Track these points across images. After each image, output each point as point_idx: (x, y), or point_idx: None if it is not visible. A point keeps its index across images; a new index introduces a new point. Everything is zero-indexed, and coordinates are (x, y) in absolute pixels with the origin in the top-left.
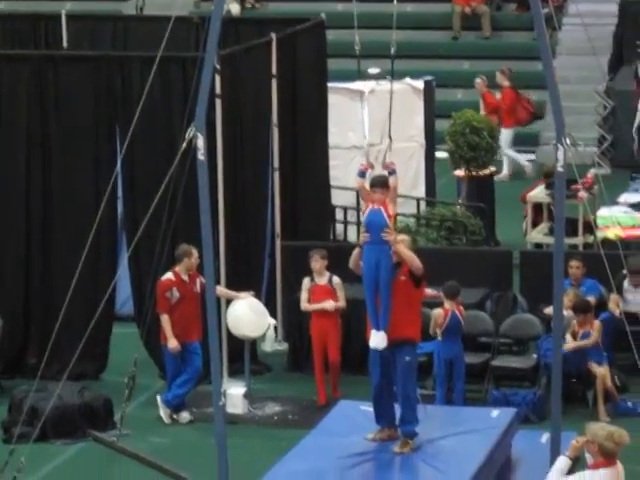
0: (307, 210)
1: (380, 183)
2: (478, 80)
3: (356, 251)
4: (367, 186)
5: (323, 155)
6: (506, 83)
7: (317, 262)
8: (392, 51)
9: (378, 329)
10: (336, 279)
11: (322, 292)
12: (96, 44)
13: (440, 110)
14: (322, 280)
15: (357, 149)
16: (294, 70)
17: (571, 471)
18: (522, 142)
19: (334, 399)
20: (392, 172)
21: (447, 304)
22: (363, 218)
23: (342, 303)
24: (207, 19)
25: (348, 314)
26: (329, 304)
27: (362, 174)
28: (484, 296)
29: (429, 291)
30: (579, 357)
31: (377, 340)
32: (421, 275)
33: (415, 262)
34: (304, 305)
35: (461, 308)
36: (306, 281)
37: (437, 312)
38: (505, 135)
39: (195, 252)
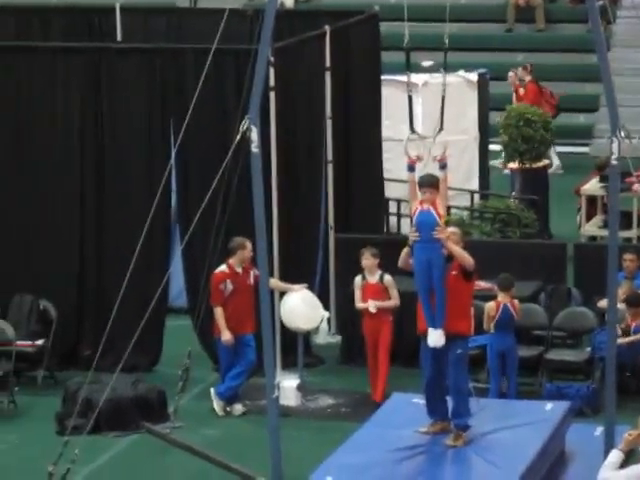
0: (360, 203)
1: (428, 183)
2: (511, 74)
3: (405, 250)
4: (411, 192)
5: (377, 148)
6: (528, 78)
7: (368, 260)
8: (445, 43)
9: (435, 327)
10: (387, 277)
11: (373, 290)
12: (150, 37)
13: (494, 103)
14: (373, 278)
15: (411, 141)
16: (348, 63)
17: (624, 465)
18: (576, 135)
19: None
20: (443, 166)
21: (500, 297)
22: (413, 218)
23: (394, 301)
24: (261, 12)
25: (400, 307)
26: (373, 305)
27: (411, 168)
28: (538, 289)
29: (483, 284)
30: (633, 350)
31: (435, 338)
32: (472, 270)
33: (466, 259)
34: (357, 304)
35: (515, 301)
36: (357, 279)
37: (490, 305)
38: None
39: (249, 245)
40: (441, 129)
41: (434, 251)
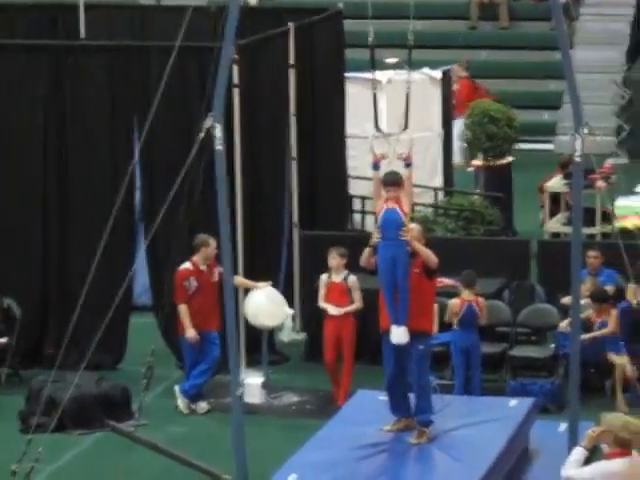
0: (325, 200)
1: (392, 182)
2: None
3: (367, 250)
4: (375, 192)
5: (341, 145)
6: (463, 74)
7: (334, 259)
8: (410, 41)
9: (398, 324)
10: (352, 278)
11: (337, 290)
12: (114, 34)
13: None
14: (338, 278)
15: (381, 138)
16: (312, 60)
17: (587, 461)
18: (539, 132)
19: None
20: (408, 164)
21: (464, 294)
22: (378, 217)
23: (356, 305)
24: (224, 9)
25: (365, 303)
26: (335, 309)
27: (376, 166)
28: (502, 286)
29: (446, 281)
30: (597, 347)
31: (398, 335)
32: (436, 268)
33: (431, 258)
34: (321, 303)
35: (480, 299)
36: (323, 277)
37: (453, 302)
38: (459, 125)
39: (213, 242)
40: (406, 127)
41: (399, 248)
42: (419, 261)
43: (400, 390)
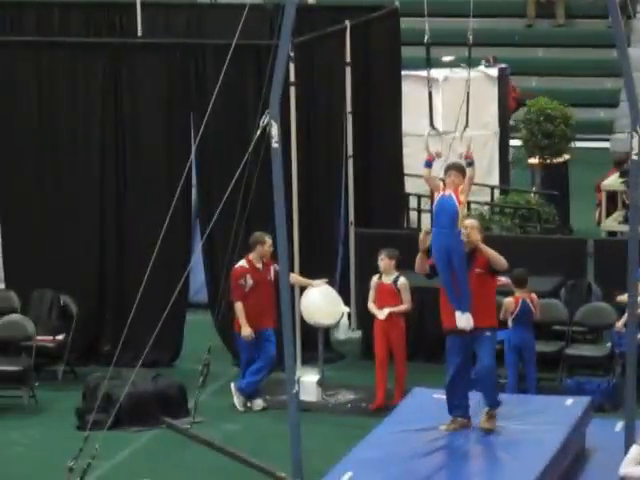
0: (381, 198)
1: (456, 167)
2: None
3: (419, 255)
4: (433, 175)
5: (397, 143)
6: None
7: (383, 261)
8: (469, 39)
9: (462, 311)
10: (402, 280)
11: (386, 292)
12: (170, 32)
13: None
14: (388, 279)
15: (435, 136)
16: (368, 58)
17: None
18: (595, 130)
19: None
20: (470, 163)
21: (518, 292)
22: (434, 204)
23: (405, 306)
24: (281, 7)
25: (421, 301)
26: (381, 313)
27: (428, 164)
28: (558, 284)
29: (503, 279)
30: None
31: (463, 321)
32: (504, 270)
33: (501, 262)
34: (370, 305)
35: (534, 296)
36: (374, 279)
37: (508, 300)
38: None
39: (268, 240)
40: (466, 125)
41: (452, 237)
42: (480, 261)
43: (461, 389)
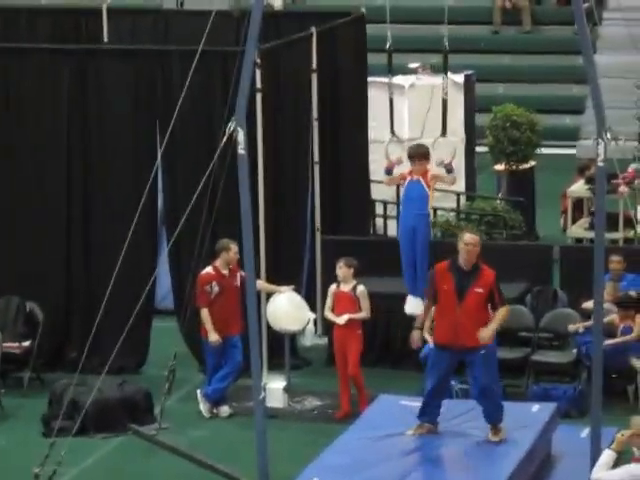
0: (347, 204)
1: (418, 154)
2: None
3: (415, 333)
4: (391, 182)
5: (363, 149)
6: None
7: (341, 269)
8: (445, 46)
9: (414, 295)
10: (361, 288)
11: (345, 300)
12: (137, 38)
13: (480, 104)
14: (346, 287)
15: (396, 143)
16: (334, 64)
17: (616, 464)
18: (561, 136)
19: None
20: (450, 170)
21: None
22: (402, 189)
23: (364, 314)
24: (248, 13)
25: (388, 308)
26: (341, 318)
27: (389, 172)
28: (524, 291)
29: None
30: (619, 352)
31: (413, 305)
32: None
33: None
34: (326, 312)
35: None
36: (332, 287)
37: None
38: None
39: (233, 246)
40: (444, 133)
41: (419, 219)
42: (482, 281)
43: (438, 399)
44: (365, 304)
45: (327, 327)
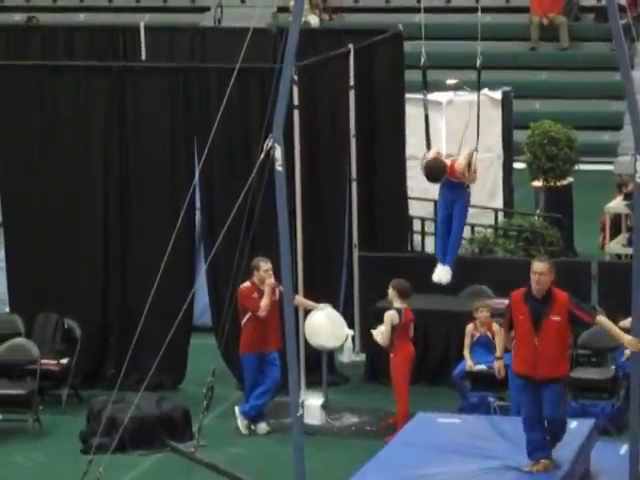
0: (385, 221)
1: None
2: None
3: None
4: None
5: (401, 166)
6: None
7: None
8: (478, 62)
9: (444, 263)
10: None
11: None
12: (174, 56)
13: (518, 121)
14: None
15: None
16: (372, 81)
17: None
18: (599, 153)
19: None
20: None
21: None
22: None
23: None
24: (285, 30)
25: (425, 325)
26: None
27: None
28: None
29: (507, 302)
30: None
31: (441, 273)
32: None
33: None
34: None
35: None
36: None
37: None
38: None
39: (263, 265)
40: (476, 150)
41: (459, 189)
42: (557, 308)
43: (539, 432)
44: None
45: (365, 344)
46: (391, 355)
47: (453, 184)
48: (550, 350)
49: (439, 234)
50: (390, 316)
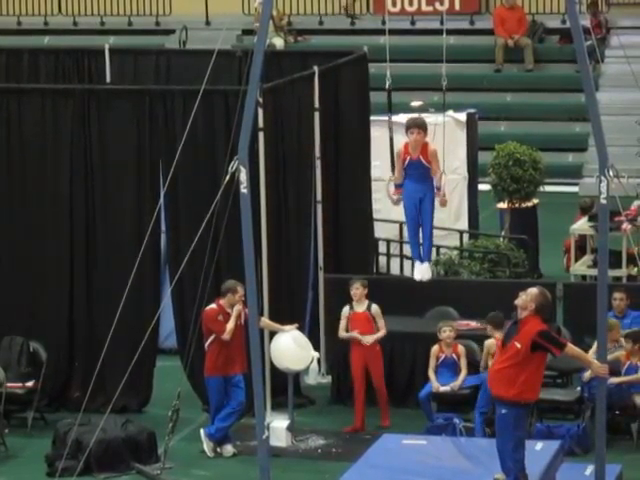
0: (350, 243)
1: (417, 124)
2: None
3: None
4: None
5: (366, 188)
6: None
7: (357, 290)
8: (443, 84)
9: (421, 261)
10: (375, 307)
11: (360, 320)
12: (139, 78)
13: (483, 142)
14: (361, 308)
15: (392, 182)
16: (337, 103)
17: None
18: (564, 174)
19: (384, 428)
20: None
21: (497, 335)
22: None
23: (382, 332)
24: (250, 53)
25: (391, 347)
26: (366, 339)
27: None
28: None
29: (473, 324)
30: (623, 389)
31: (422, 271)
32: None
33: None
34: (341, 333)
35: None
36: (345, 309)
37: (491, 342)
38: None
39: (240, 290)
40: (443, 172)
41: (426, 187)
42: (522, 337)
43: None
44: (381, 322)
45: (332, 365)
46: None
47: (419, 174)
48: (502, 368)
49: (411, 234)
50: None
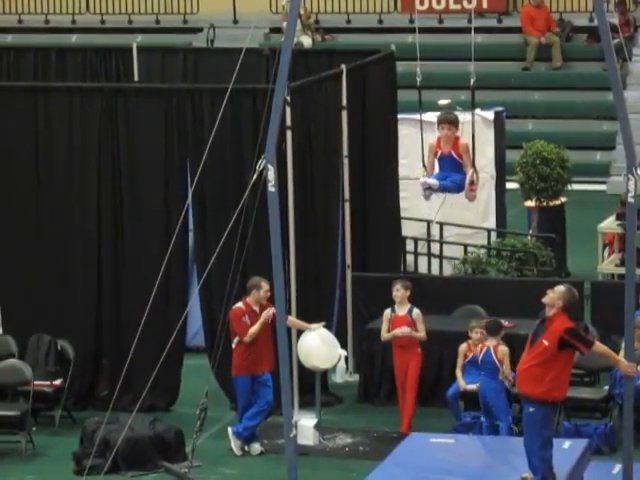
0: (377, 241)
1: (448, 120)
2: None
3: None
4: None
5: (393, 186)
6: None
7: (398, 291)
8: (472, 82)
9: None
10: (417, 311)
11: (402, 323)
12: (167, 76)
13: (511, 141)
14: (402, 311)
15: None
16: (364, 101)
17: None
18: (592, 172)
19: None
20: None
21: (492, 341)
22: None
23: (422, 334)
24: (277, 51)
25: (423, 346)
26: (400, 330)
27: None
28: None
29: (505, 323)
30: None
31: (428, 180)
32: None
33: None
34: (383, 335)
35: (501, 347)
36: (387, 311)
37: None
38: None
39: (265, 285)
40: (474, 168)
41: (458, 172)
42: (550, 334)
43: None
44: (421, 327)
45: (359, 364)
46: None
47: (450, 168)
48: (530, 366)
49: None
50: None
